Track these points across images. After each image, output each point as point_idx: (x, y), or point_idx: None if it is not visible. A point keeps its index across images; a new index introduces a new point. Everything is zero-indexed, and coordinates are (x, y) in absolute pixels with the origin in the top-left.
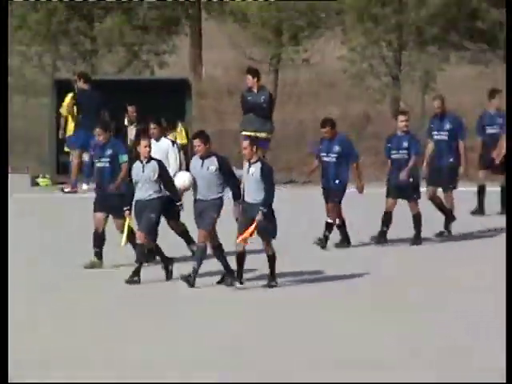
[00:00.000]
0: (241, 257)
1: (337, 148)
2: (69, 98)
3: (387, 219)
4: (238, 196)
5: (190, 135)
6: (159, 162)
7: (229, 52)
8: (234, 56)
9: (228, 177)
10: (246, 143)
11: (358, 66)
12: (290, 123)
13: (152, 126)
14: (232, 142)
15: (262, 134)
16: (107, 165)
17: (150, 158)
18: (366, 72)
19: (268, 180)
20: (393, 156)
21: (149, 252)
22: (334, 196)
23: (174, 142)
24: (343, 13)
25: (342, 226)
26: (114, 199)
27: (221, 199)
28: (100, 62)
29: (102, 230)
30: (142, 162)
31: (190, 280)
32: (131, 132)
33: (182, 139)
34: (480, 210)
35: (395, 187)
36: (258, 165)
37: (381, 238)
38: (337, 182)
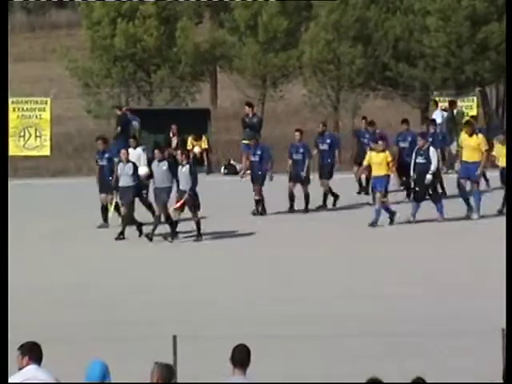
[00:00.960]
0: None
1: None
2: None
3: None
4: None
5: (209, 143)
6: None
7: (234, 91)
8: (237, 94)
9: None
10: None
11: (313, 100)
12: (272, 136)
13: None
14: (236, 147)
15: (252, 142)
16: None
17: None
18: (318, 104)
19: (194, 175)
20: (293, 156)
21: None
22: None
23: (143, 150)
24: (303, 68)
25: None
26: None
27: (170, 187)
28: (155, 98)
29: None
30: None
31: (149, 236)
32: (174, 142)
33: (205, 145)
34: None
35: (295, 176)
36: (187, 166)
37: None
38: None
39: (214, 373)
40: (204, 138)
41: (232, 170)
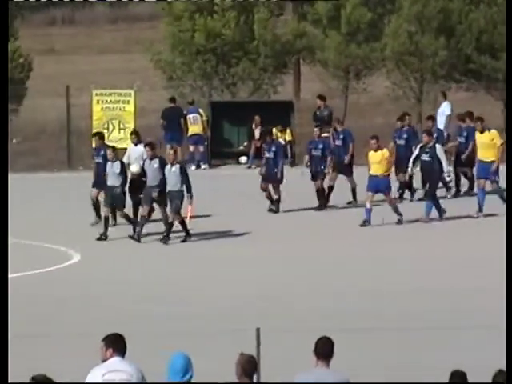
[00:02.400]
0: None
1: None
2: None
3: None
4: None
5: (294, 135)
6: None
7: (316, 84)
8: (320, 86)
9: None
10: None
11: (396, 92)
12: (354, 127)
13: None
14: None
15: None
16: None
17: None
18: (401, 96)
19: (186, 176)
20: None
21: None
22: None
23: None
24: (386, 60)
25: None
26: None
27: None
28: (237, 91)
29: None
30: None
31: (135, 238)
32: (256, 133)
33: (289, 137)
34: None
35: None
36: (177, 166)
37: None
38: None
39: (297, 365)
40: (288, 130)
41: None
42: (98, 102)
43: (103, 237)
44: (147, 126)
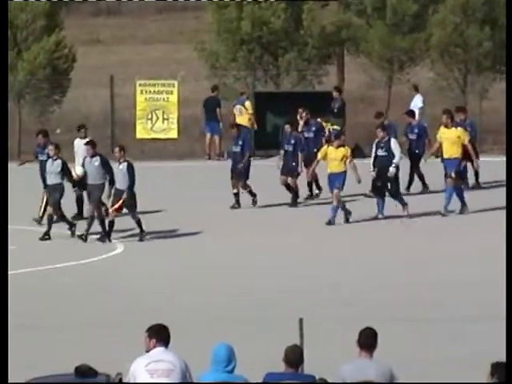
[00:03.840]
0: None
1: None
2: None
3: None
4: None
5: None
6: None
7: (361, 75)
8: (364, 77)
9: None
10: None
11: (440, 83)
12: (398, 118)
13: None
14: (363, 131)
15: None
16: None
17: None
18: (445, 87)
19: (130, 174)
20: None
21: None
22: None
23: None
24: (430, 50)
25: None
26: None
27: (103, 184)
28: (281, 82)
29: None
30: None
31: (83, 237)
32: (301, 124)
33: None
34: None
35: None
36: (124, 164)
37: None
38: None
39: (340, 355)
40: (331, 120)
41: (360, 154)
42: (141, 92)
43: (46, 236)
44: (191, 116)
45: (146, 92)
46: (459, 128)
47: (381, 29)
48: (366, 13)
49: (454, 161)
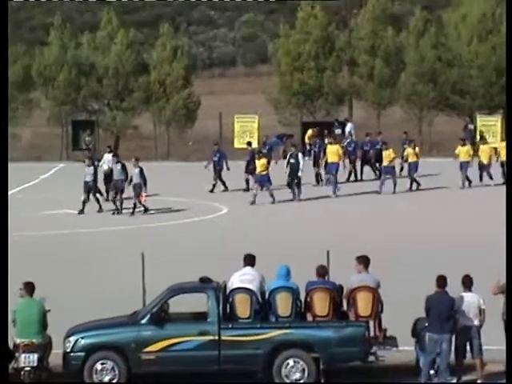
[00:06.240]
0: None
1: None
2: (310, 131)
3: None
4: None
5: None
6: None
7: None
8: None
9: None
10: None
11: (405, 117)
12: None
13: None
14: None
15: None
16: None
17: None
18: (408, 119)
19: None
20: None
21: None
22: None
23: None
24: (400, 98)
25: None
26: None
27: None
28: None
29: None
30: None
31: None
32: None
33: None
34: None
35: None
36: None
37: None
38: None
39: (350, 273)
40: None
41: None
42: (237, 121)
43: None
44: (263, 135)
45: (239, 121)
46: (336, 145)
47: (370, 86)
48: (363, 77)
49: (334, 164)
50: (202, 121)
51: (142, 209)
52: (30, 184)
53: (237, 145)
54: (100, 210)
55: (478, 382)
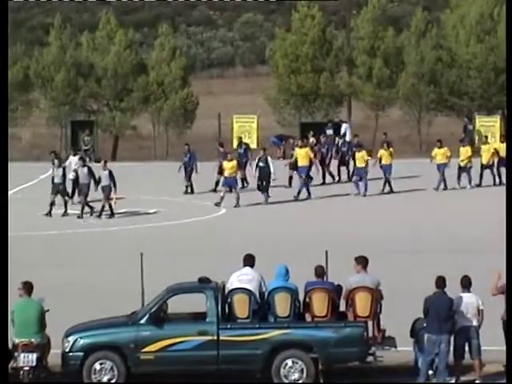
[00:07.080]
0: None
1: None
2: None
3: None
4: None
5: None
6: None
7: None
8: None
9: None
10: None
11: (405, 117)
12: None
13: None
14: None
15: None
16: None
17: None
18: (408, 120)
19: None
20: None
21: None
22: None
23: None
24: (399, 98)
25: None
26: None
27: None
28: (315, 115)
29: None
30: None
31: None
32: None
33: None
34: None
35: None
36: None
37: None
38: None
39: (348, 272)
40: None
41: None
42: (236, 122)
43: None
44: (262, 135)
45: (238, 122)
46: (307, 148)
47: (369, 87)
48: (362, 78)
49: (305, 167)
50: (201, 121)
51: (109, 212)
52: (30, 184)
53: (236, 145)
54: (65, 213)
55: (477, 382)
